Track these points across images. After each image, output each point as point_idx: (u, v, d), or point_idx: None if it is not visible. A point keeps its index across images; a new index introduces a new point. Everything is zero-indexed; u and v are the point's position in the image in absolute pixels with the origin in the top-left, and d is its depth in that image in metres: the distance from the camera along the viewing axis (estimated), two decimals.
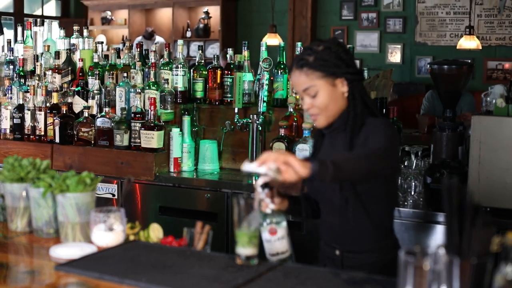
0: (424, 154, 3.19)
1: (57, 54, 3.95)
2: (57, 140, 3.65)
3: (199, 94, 3.73)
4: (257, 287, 1.56)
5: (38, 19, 4.41)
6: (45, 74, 3.89)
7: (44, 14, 9.85)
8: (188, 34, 9.28)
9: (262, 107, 3.45)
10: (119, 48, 4.18)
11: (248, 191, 3.05)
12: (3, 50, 4.42)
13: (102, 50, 4.00)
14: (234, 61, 3.65)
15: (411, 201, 2.95)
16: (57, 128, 3.64)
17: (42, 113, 3.71)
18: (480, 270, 1.33)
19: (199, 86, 3.72)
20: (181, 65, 3.65)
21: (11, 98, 3.88)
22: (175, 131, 3.50)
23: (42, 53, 4.13)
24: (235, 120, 3.55)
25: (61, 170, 3.40)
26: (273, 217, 1.89)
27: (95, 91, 3.71)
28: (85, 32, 4.13)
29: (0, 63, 4.21)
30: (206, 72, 3.72)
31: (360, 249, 2.12)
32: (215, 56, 3.83)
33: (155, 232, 1.97)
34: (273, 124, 3.55)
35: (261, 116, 3.48)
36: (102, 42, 4.07)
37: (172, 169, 3.50)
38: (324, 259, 2.21)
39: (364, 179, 1.98)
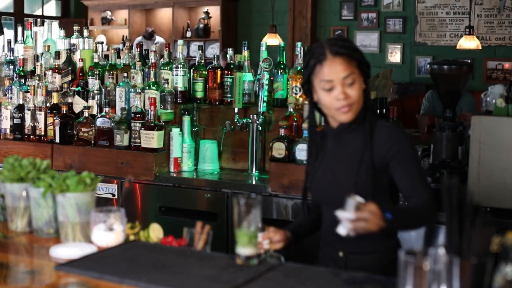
0: (424, 154, 3.19)
1: (57, 54, 3.95)
2: (57, 140, 3.65)
3: (199, 94, 3.73)
4: (257, 287, 1.56)
5: (38, 19, 4.42)
6: (45, 74, 3.89)
7: (44, 14, 9.85)
8: (188, 34, 9.28)
9: (262, 107, 3.45)
10: (119, 48, 4.18)
11: (248, 191, 3.05)
12: (3, 50, 4.42)
13: (102, 50, 4.00)
14: (234, 61, 3.65)
15: None
16: (57, 128, 3.64)
17: (42, 113, 3.71)
18: (480, 270, 1.33)
19: (199, 86, 3.72)
20: (181, 65, 3.65)
21: (11, 98, 3.88)
22: (175, 131, 3.50)
23: (42, 53, 4.13)
24: (235, 120, 3.55)
25: (61, 170, 3.40)
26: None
27: (95, 91, 3.71)
28: (85, 32, 4.13)
29: (0, 63, 4.21)
30: (206, 72, 3.72)
31: (364, 250, 2.10)
32: (215, 56, 3.83)
33: (155, 232, 1.97)
34: (273, 124, 3.55)
35: (261, 116, 3.48)
36: (102, 42, 4.07)
37: (172, 169, 3.50)
38: (326, 259, 2.19)
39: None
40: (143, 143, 3.45)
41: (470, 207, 1.39)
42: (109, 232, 1.84)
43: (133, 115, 3.48)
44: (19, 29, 4.32)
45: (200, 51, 3.78)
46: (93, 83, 3.75)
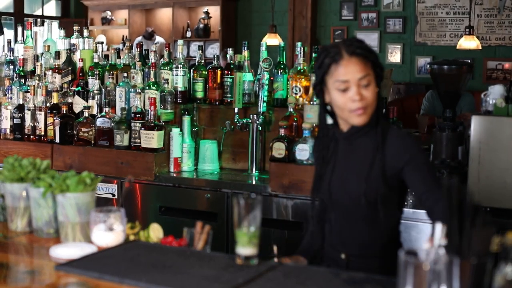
0: None
1: (57, 54, 3.95)
2: (57, 140, 3.65)
3: (199, 94, 3.73)
4: (257, 287, 1.56)
5: (38, 19, 4.42)
6: (45, 74, 3.89)
7: (44, 14, 9.85)
8: (188, 34, 9.28)
9: (262, 107, 3.45)
10: (119, 48, 4.18)
11: (248, 191, 3.05)
12: (3, 50, 4.42)
13: (102, 50, 4.00)
14: (234, 61, 3.65)
15: (411, 201, 2.95)
16: (57, 128, 3.64)
17: (42, 113, 3.71)
18: (480, 270, 1.33)
19: (199, 86, 3.72)
20: (181, 65, 3.65)
21: (11, 98, 3.88)
22: (175, 131, 3.50)
23: (42, 53, 4.13)
24: (235, 120, 3.55)
25: (61, 170, 3.40)
26: None
27: (95, 91, 3.71)
28: (85, 32, 4.13)
29: (0, 63, 4.21)
30: (206, 72, 3.72)
31: (367, 254, 2.09)
32: (215, 56, 3.83)
33: (155, 232, 1.97)
34: (273, 124, 3.55)
35: (261, 116, 3.48)
36: (102, 42, 4.07)
37: (172, 169, 3.50)
38: (328, 260, 2.18)
39: None
40: (143, 143, 3.45)
41: (470, 207, 1.39)
42: (109, 232, 1.84)
43: (133, 115, 3.48)
44: (19, 29, 4.32)
45: (200, 51, 3.78)
46: (93, 83, 3.75)
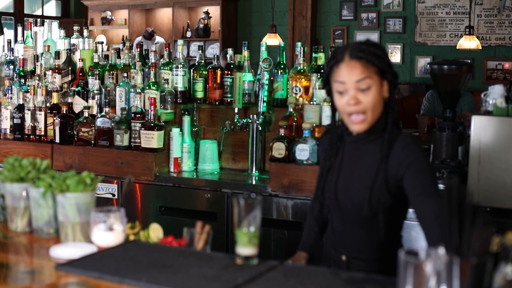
0: None
1: (57, 54, 3.95)
2: (57, 140, 3.65)
3: (199, 94, 3.73)
4: (257, 287, 1.56)
5: (38, 19, 4.41)
6: (45, 74, 3.89)
7: (44, 14, 9.85)
8: (188, 34, 9.28)
9: (262, 107, 3.46)
10: (119, 48, 4.18)
11: (248, 191, 3.05)
12: (3, 50, 4.42)
13: (102, 50, 4.00)
14: (234, 61, 3.65)
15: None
16: (57, 128, 3.65)
17: (42, 113, 3.71)
18: (480, 270, 1.33)
19: (199, 86, 3.72)
20: (181, 65, 3.65)
21: (11, 98, 3.88)
22: (175, 131, 3.51)
23: (42, 53, 4.13)
24: (235, 120, 3.55)
25: (61, 170, 3.40)
26: None
27: (95, 91, 3.72)
28: (85, 32, 4.13)
29: (0, 63, 4.21)
30: (206, 72, 3.72)
31: (368, 257, 2.08)
32: (215, 56, 3.83)
33: (155, 232, 1.97)
34: (273, 124, 3.55)
35: (261, 116, 3.48)
36: (102, 42, 4.07)
37: (172, 169, 3.50)
38: (328, 260, 2.18)
39: None
40: (143, 143, 3.45)
41: (470, 207, 1.39)
42: (109, 232, 1.84)
43: (133, 115, 3.48)
44: (19, 29, 4.32)
45: (200, 51, 3.78)
46: (93, 83, 3.75)
